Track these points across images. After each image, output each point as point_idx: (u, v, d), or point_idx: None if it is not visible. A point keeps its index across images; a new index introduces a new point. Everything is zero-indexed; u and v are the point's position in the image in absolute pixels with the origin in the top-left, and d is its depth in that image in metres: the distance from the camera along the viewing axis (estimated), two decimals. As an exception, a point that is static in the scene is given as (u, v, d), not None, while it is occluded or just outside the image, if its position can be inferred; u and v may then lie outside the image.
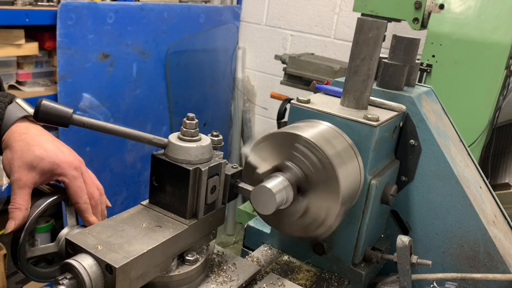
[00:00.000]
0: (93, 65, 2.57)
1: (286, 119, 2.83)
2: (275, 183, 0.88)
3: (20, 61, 2.38)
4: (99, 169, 2.78)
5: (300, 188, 0.92)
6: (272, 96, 3.21)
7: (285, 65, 2.94)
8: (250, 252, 1.19)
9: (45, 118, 0.76)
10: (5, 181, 2.32)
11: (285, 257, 1.15)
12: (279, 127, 2.95)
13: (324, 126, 0.99)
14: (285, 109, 2.95)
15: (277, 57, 3.05)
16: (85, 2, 2.44)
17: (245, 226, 1.25)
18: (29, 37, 2.33)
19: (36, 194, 0.99)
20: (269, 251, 1.17)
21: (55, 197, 0.97)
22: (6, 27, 2.20)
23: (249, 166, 0.96)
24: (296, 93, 2.87)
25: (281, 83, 2.98)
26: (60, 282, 0.70)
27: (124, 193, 3.02)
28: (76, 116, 0.77)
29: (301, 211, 0.93)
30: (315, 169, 0.89)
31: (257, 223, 1.23)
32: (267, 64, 3.81)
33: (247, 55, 3.91)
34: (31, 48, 2.34)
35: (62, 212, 2.65)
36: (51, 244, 0.98)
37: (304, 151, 0.90)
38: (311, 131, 0.94)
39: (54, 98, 2.40)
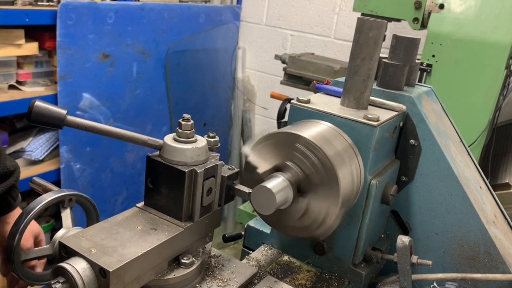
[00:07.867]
0: (93, 65, 2.57)
1: (286, 119, 2.83)
2: (275, 183, 0.88)
3: (20, 61, 2.37)
4: (99, 169, 2.78)
5: (300, 188, 0.92)
6: (272, 96, 3.21)
7: (285, 65, 2.93)
8: (250, 252, 1.19)
9: (38, 120, 0.75)
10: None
11: (285, 257, 1.15)
12: (279, 127, 2.95)
13: (324, 126, 0.99)
14: (285, 109, 2.95)
15: (277, 57, 3.05)
16: (85, 2, 2.43)
17: (245, 226, 1.25)
18: (29, 37, 2.33)
19: (32, 195, 0.99)
20: (269, 251, 1.16)
21: (49, 199, 0.95)
22: (6, 27, 2.20)
23: (249, 166, 0.96)
24: (296, 93, 2.87)
25: (281, 83, 2.98)
26: (53, 286, 0.69)
27: (124, 193, 3.02)
28: (70, 118, 0.76)
29: (301, 211, 0.93)
30: (315, 169, 0.89)
31: (257, 223, 1.23)
32: (267, 64, 3.81)
33: (247, 55, 3.91)
34: (31, 48, 2.33)
35: (62, 212, 2.65)
36: (46, 246, 0.97)
37: (304, 151, 0.90)
38: (311, 131, 0.94)
39: (54, 98, 2.40)
